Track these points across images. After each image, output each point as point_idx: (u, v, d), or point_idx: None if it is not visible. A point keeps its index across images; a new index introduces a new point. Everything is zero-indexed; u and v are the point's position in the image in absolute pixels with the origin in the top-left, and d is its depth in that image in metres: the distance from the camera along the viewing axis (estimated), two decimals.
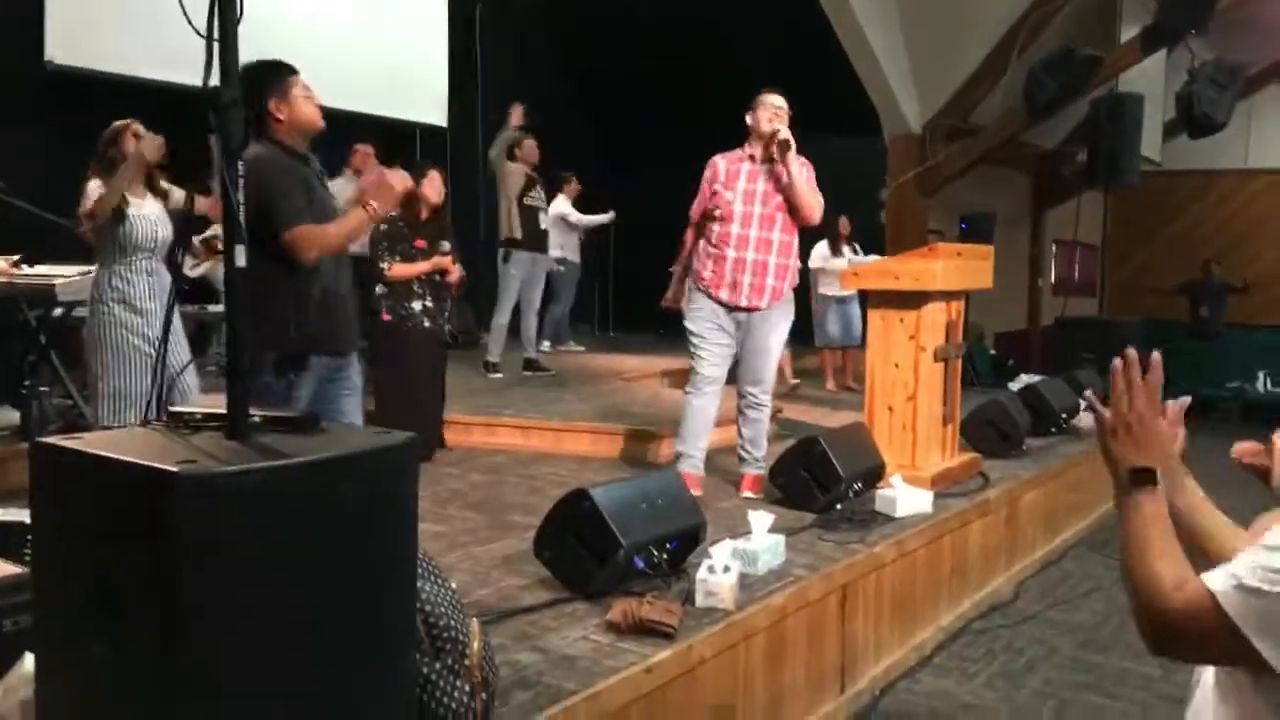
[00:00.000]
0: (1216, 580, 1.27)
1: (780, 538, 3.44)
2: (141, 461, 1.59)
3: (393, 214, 5.01)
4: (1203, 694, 1.48)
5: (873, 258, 7.13)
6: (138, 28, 5.99)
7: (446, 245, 5.03)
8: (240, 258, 1.92)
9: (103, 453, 1.66)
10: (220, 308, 6.07)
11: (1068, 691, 3.68)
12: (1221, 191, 12.31)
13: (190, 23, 1.86)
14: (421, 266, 4.92)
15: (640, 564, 3.01)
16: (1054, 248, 11.59)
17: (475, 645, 2.13)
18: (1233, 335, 11.51)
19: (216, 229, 5.59)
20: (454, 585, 2.27)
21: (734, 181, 4.25)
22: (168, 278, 3.82)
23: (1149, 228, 12.55)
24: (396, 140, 7.94)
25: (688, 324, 4.34)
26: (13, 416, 4.68)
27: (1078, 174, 9.60)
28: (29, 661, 1.94)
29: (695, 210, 4.39)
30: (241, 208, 1.91)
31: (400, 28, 8.27)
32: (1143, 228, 12.58)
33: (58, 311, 4.65)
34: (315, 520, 1.68)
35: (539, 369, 7.36)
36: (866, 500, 4.16)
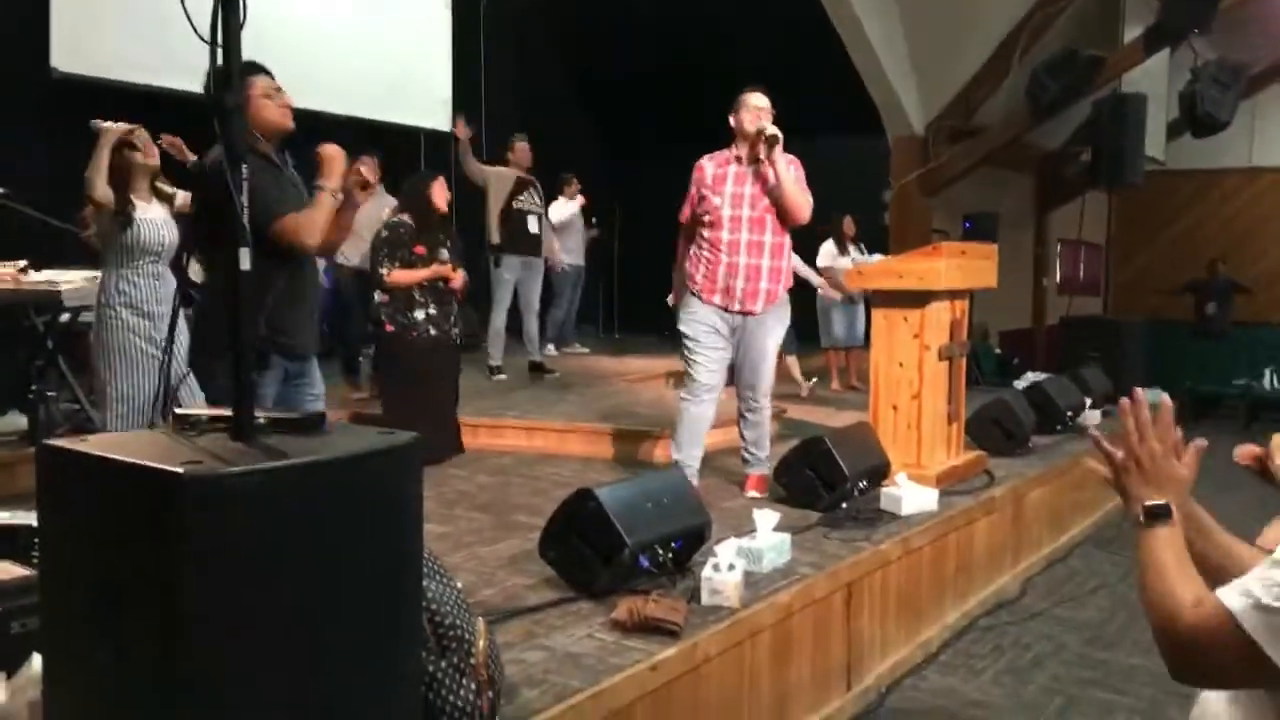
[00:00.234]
0: (1233, 600, 1.26)
1: (785, 536, 3.44)
2: (147, 463, 1.60)
3: (398, 218, 5.03)
4: (1212, 693, 1.47)
5: (878, 257, 7.13)
6: (142, 35, 6.01)
7: (445, 253, 4.99)
8: (245, 261, 1.93)
9: (109, 455, 1.67)
10: None
11: (1075, 688, 3.68)
12: (1225, 190, 12.28)
13: (194, 28, 1.87)
14: (421, 274, 4.88)
15: (645, 563, 3.01)
16: (1059, 247, 11.57)
17: (481, 644, 2.14)
18: (1239, 333, 11.47)
19: None
20: (460, 585, 2.28)
21: (721, 185, 4.20)
22: (174, 282, 3.83)
23: (1153, 227, 12.52)
24: (400, 146, 7.96)
25: (682, 328, 4.30)
26: (20, 421, 4.71)
27: (1081, 174, 9.59)
28: (37, 663, 1.96)
29: (685, 213, 4.36)
30: (246, 210, 1.93)
31: (403, 33, 8.29)
32: (1147, 227, 12.56)
33: (64, 317, 4.68)
34: (320, 521, 1.69)
35: (543, 371, 7.37)
36: (872, 499, 4.16)
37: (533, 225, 7.13)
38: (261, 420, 1.86)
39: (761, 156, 4.13)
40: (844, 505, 4.04)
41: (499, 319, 7.09)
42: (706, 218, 4.21)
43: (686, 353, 4.29)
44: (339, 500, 1.72)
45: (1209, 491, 1.62)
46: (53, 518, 1.79)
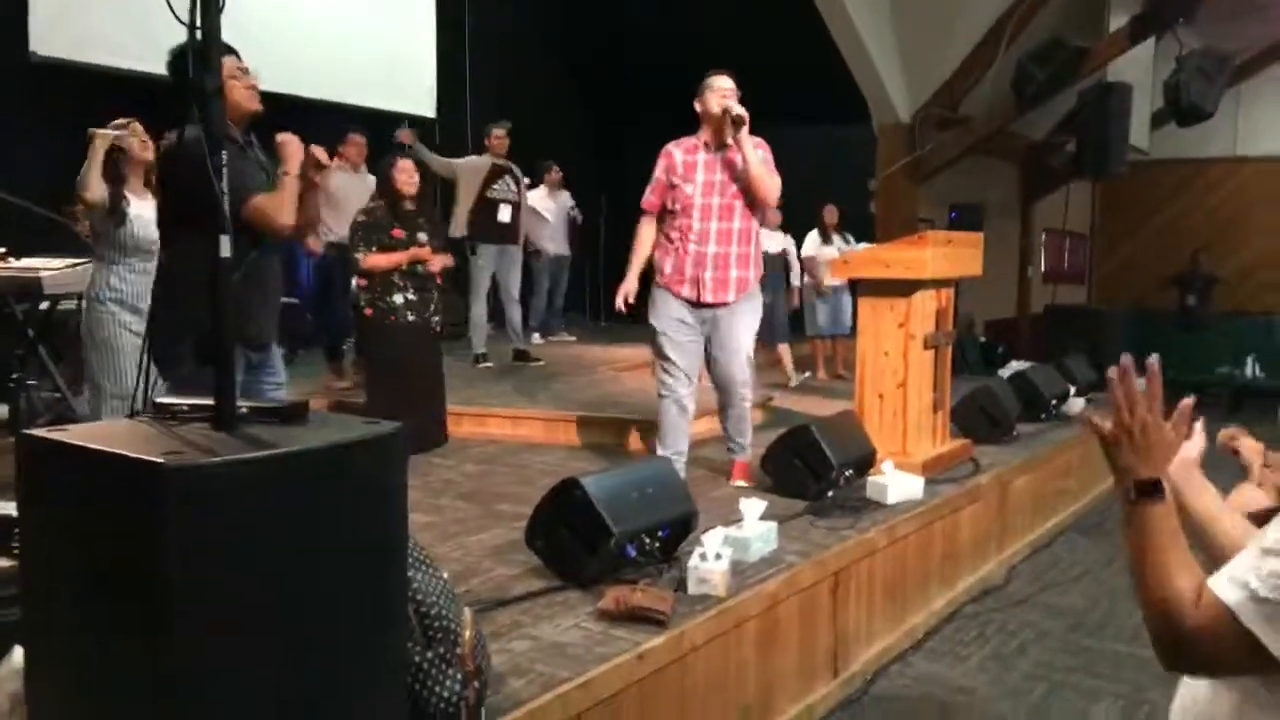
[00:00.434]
0: (1229, 592, 1.25)
1: (772, 525, 3.45)
2: (128, 453, 1.58)
3: (375, 203, 4.99)
4: (1191, 681, 1.47)
5: (864, 246, 7.13)
6: (121, 18, 5.95)
7: (423, 236, 4.93)
8: (225, 248, 1.92)
9: (89, 444, 1.65)
10: None
11: (1059, 674, 3.70)
12: (1210, 180, 12.34)
13: (173, 11, 1.85)
14: (397, 257, 4.81)
15: (632, 552, 3.01)
16: (1043, 237, 11.61)
17: (467, 634, 2.13)
18: (1222, 322, 11.56)
19: None
20: (446, 575, 2.26)
21: (692, 172, 4.10)
22: None
23: (1138, 217, 12.57)
24: (385, 131, 7.91)
25: (653, 322, 4.19)
26: (1, 411, 4.66)
27: (1066, 164, 9.61)
28: (18, 655, 1.94)
29: (652, 201, 4.21)
30: (225, 196, 1.91)
31: (389, 19, 8.24)
32: (1131, 217, 12.61)
33: (44, 305, 4.62)
34: (303, 510, 1.68)
35: (528, 359, 7.35)
36: (858, 487, 4.16)
37: (504, 214, 7.08)
38: (243, 410, 1.84)
39: (728, 139, 4.05)
40: (830, 494, 4.04)
41: (479, 308, 7.09)
42: (677, 206, 4.12)
43: (659, 348, 4.19)
44: (322, 490, 1.71)
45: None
46: (33, 508, 1.77)
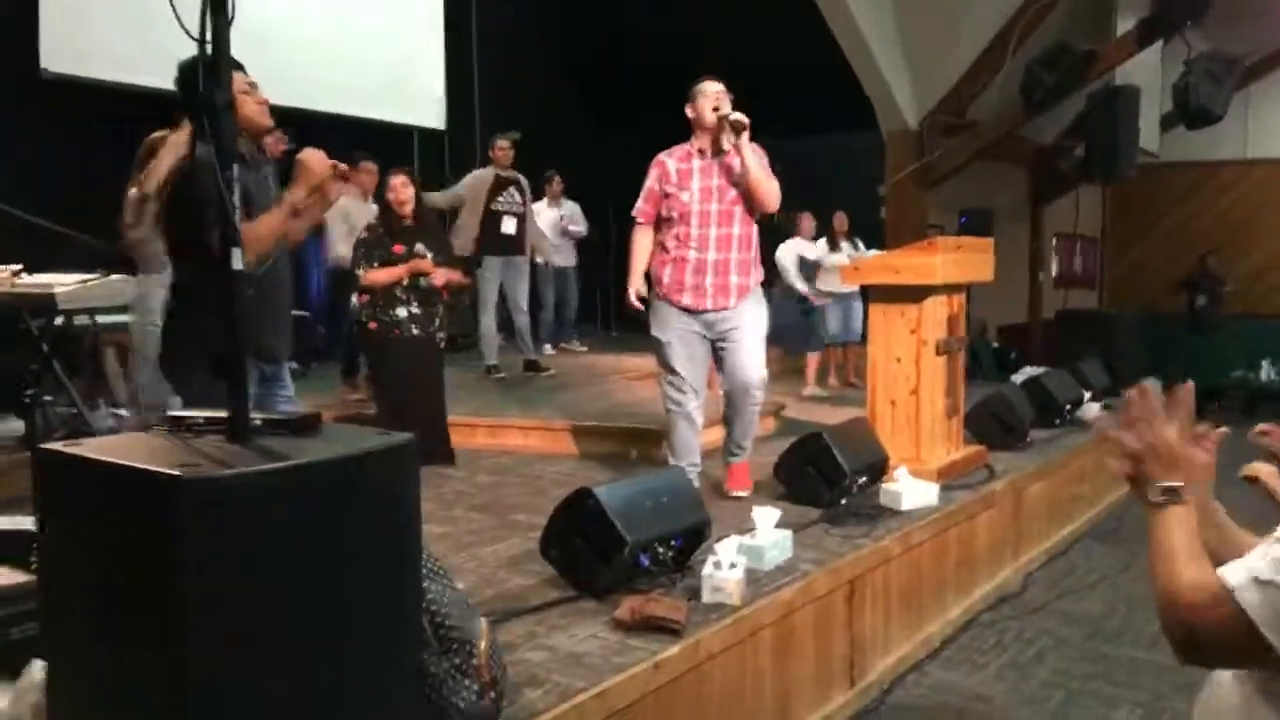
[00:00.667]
0: (1233, 575, 1.26)
1: (786, 533, 3.43)
2: (145, 466, 1.59)
3: (375, 220, 5.01)
4: (1217, 680, 1.47)
5: (873, 253, 7.12)
6: (132, 33, 5.98)
7: (421, 247, 4.88)
8: (237, 261, 1.92)
9: (106, 458, 1.66)
10: None
11: (1077, 682, 3.67)
12: (1221, 182, 12.29)
13: (182, 25, 1.86)
14: (397, 271, 4.78)
15: (646, 561, 3.00)
16: (1054, 241, 11.58)
17: (483, 645, 2.13)
18: (1236, 325, 11.50)
19: None
20: (461, 586, 2.27)
21: (688, 180, 4.05)
22: None
23: (1148, 220, 12.53)
24: (394, 144, 7.94)
25: (657, 334, 4.13)
26: (17, 426, 4.68)
27: (1075, 168, 9.59)
28: (38, 668, 1.94)
29: (646, 211, 4.15)
30: (238, 211, 1.91)
31: (396, 31, 8.26)
32: (1142, 220, 12.56)
33: (59, 320, 4.65)
34: (318, 522, 1.68)
35: (539, 369, 7.36)
36: (872, 495, 4.15)
37: (508, 226, 7.09)
38: (257, 422, 1.84)
39: (727, 145, 4.01)
40: (844, 501, 4.02)
41: (486, 319, 7.10)
42: (674, 214, 4.07)
43: (665, 360, 4.13)
44: (336, 501, 1.71)
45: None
46: (51, 522, 1.78)
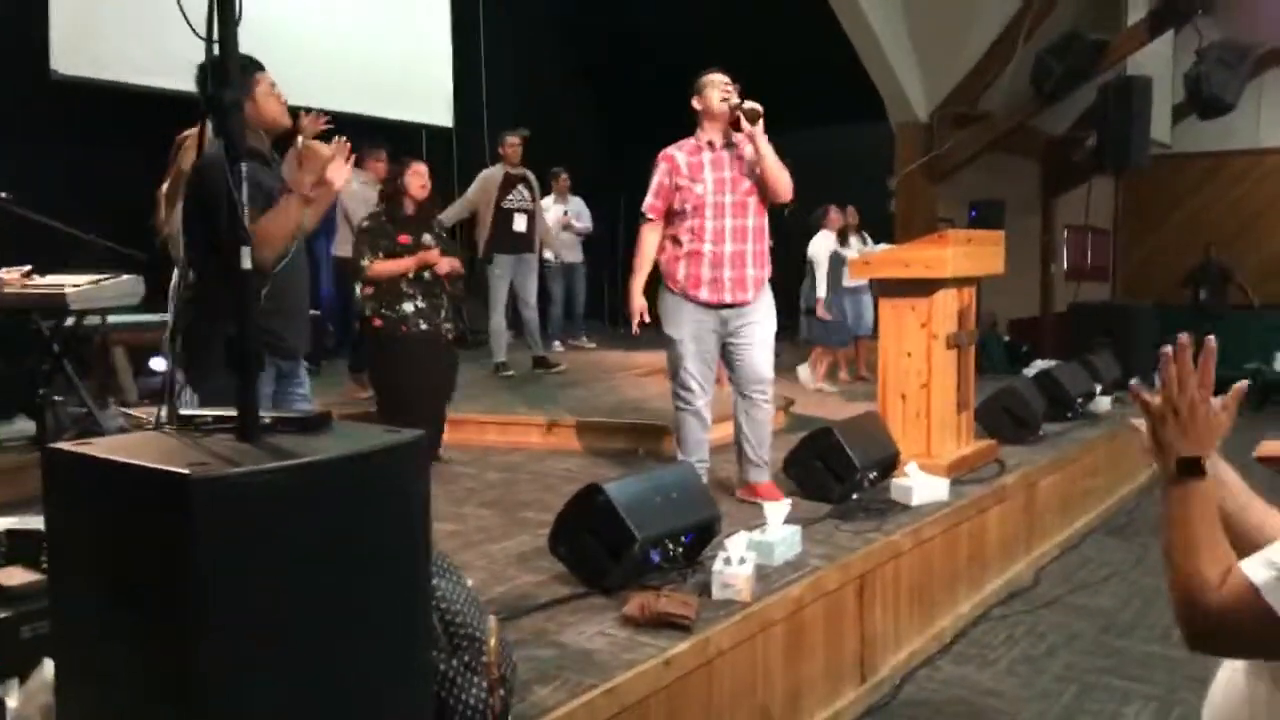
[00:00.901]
0: (1258, 572, 1.25)
1: (796, 528, 3.42)
2: (154, 465, 1.59)
3: (376, 208, 4.89)
4: (1229, 672, 1.46)
5: (883, 246, 7.08)
6: (141, 35, 6.00)
7: (429, 238, 4.77)
8: (246, 259, 1.92)
9: (115, 457, 1.66)
10: None
11: (1090, 676, 3.66)
12: (1234, 172, 12.21)
13: (190, 25, 1.86)
14: (405, 263, 4.64)
15: (656, 558, 3.00)
16: (1065, 233, 11.52)
17: (493, 642, 2.12)
18: (1249, 316, 11.43)
19: None
20: (470, 583, 2.27)
21: (699, 172, 3.99)
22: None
23: (1160, 211, 12.45)
24: (402, 142, 7.94)
25: (671, 332, 4.04)
26: (28, 426, 4.70)
27: (1087, 159, 9.54)
28: (49, 667, 1.95)
29: (656, 206, 4.06)
30: (245, 209, 1.91)
31: (404, 28, 8.27)
32: (1154, 211, 12.49)
33: (69, 321, 4.67)
34: (327, 519, 1.68)
35: (549, 366, 7.36)
36: (882, 489, 4.13)
37: (519, 223, 7.08)
38: (266, 420, 1.85)
39: (744, 129, 3.92)
40: (854, 496, 4.01)
41: (496, 317, 7.10)
42: (687, 207, 4.00)
43: (678, 358, 4.04)
44: (346, 499, 1.71)
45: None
46: (61, 522, 1.79)
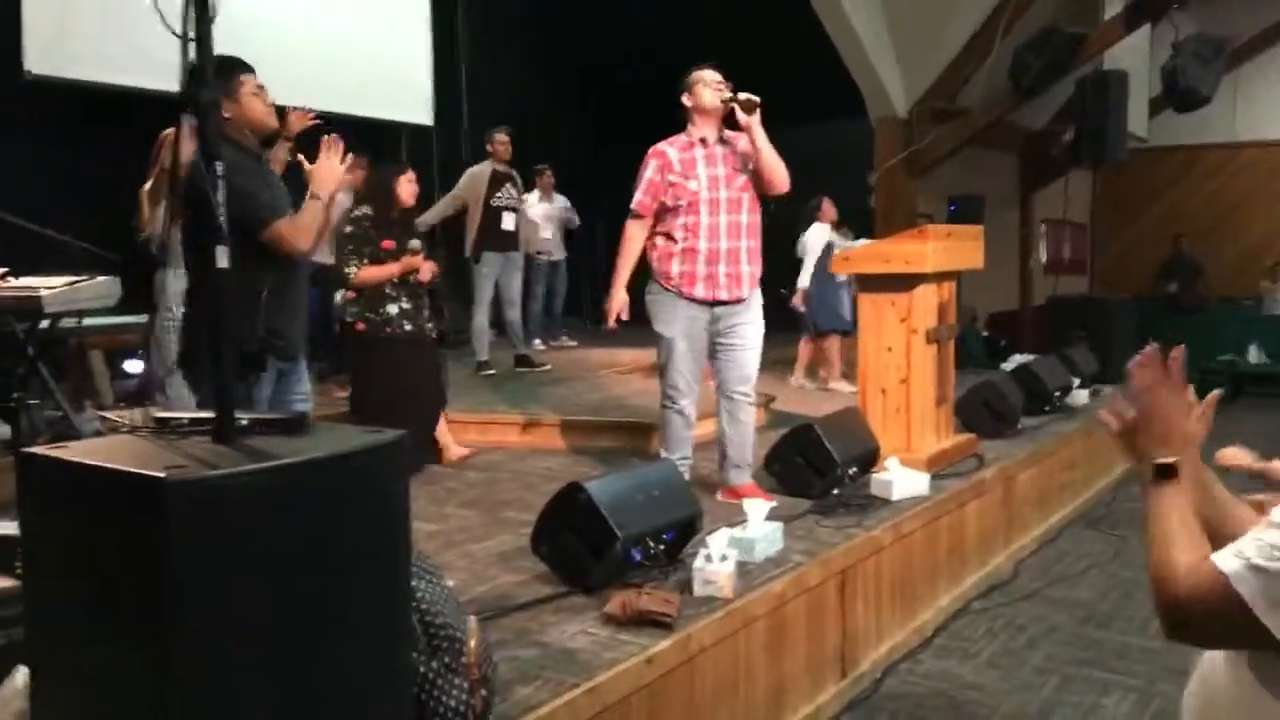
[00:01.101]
0: (1227, 561, 1.28)
1: (777, 525, 3.43)
2: (129, 469, 1.58)
3: (360, 212, 4.84)
4: (1210, 663, 1.47)
5: (863, 242, 7.08)
6: (117, 34, 5.94)
7: (416, 243, 4.76)
8: (222, 259, 1.91)
9: (90, 461, 1.65)
10: None
11: (1070, 667, 3.69)
12: (1210, 165, 12.32)
13: (165, 22, 1.84)
14: (391, 269, 4.62)
15: (637, 556, 3.00)
16: (1043, 227, 11.59)
17: (473, 643, 2.12)
18: (1224, 308, 11.54)
19: None
20: (450, 583, 2.26)
21: (692, 169, 3.95)
22: None
23: (1137, 204, 12.55)
24: (382, 141, 7.91)
25: (662, 329, 4.00)
26: (3, 430, 4.65)
27: (1065, 153, 9.60)
28: (23, 674, 1.93)
29: (647, 204, 4.00)
30: (222, 209, 1.90)
31: (383, 27, 8.22)
32: (1132, 205, 12.58)
33: (45, 323, 4.62)
34: (305, 521, 1.68)
35: (531, 364, 7.35)
36: (863, 484, 4.15)
37: (508, 222, 7.08)
38: (244, 422, 1.84)
39: (741, 120, 3.90)
40: (835, 492, 4.03)
41: (480, 315, 7.07)
42: (681, 203, 3.97)
43: (670, 356, 4.00)
44: (324, 500, 1.71)
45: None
46: (35, 527, 1.77)
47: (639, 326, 4.20)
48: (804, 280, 7.34)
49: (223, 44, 1.90)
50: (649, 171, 4.02)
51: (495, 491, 4.43)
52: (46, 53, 6.02)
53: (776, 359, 7.66)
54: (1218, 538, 1.42)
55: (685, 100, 4.04)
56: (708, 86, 3.98)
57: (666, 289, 4.01)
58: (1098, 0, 8.55)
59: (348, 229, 4.71)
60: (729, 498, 4.05)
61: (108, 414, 4.90)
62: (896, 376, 4.48)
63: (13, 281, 4.61)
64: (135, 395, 5.35)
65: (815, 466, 4.04)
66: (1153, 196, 12.49)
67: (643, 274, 4.12)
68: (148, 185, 3.91)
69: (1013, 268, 10.93)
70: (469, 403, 5.92)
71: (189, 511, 1.52)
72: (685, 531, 3.22)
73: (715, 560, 2.94)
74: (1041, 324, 10.19)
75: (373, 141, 6.94)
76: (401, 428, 1.91)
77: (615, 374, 7.23)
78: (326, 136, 3.17)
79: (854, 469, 4.12)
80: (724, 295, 3.99)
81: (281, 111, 3.47)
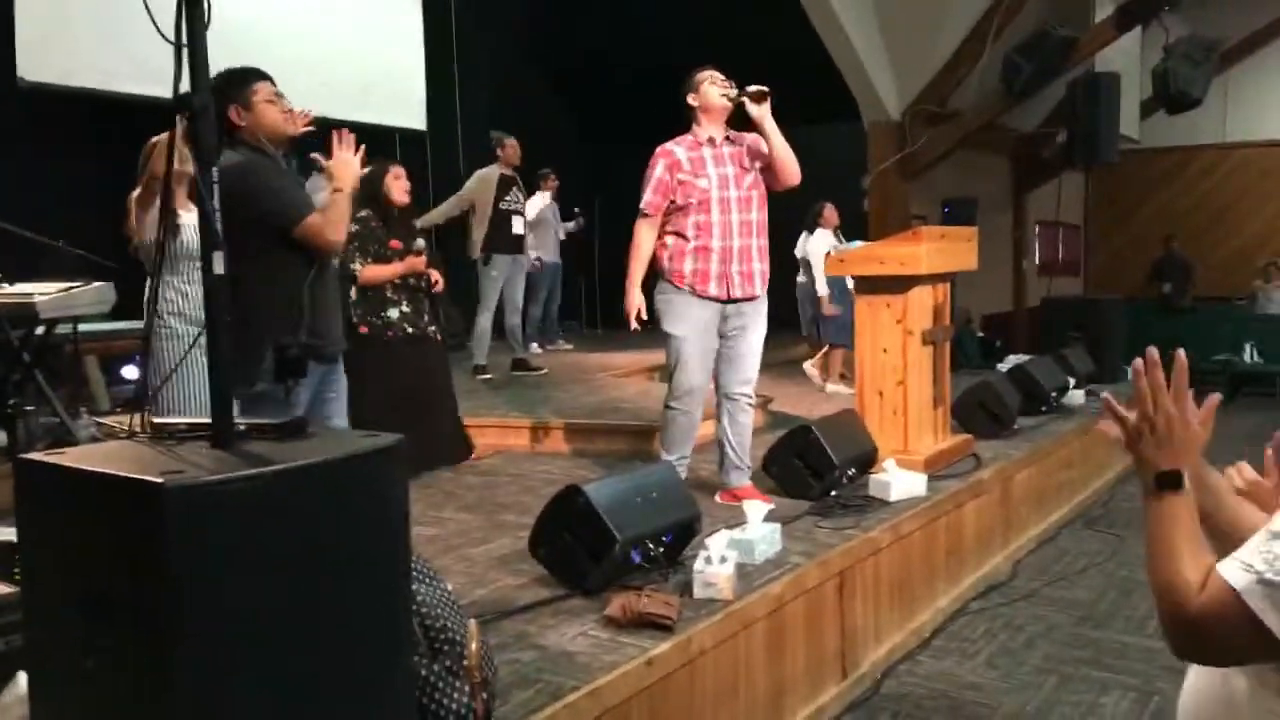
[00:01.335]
0: (1236, 575, 1.24)
1: (776, 526, 3.43)
2: (127, 474, 1.57)
3: (365, 213, 4.84)
4: (1202, 667, 1.47)
5: (857, 244, 7.07)
6: (109, 42, 5.93)
7: (421, 243, 4.77)
8: (219, 264, 1.90)
9: (87, 467, 1.64)
10: None
11: (1068, 667, 3.69)
12: (1201, 166, 12.38)
13: (158, 29, 1.84)
14: (396, 268, 4.63)
15: (636, 558, 3.00)
16: (1037, 229, 11.63)
17: (473, 646, 2.12)
18: (1219, 308, 11.58)
19: None
20: (450, 587, 2.26)
21: (701, 168, 3.94)
22: None
23: (1130, 205, 12.61)
24: (375, 146, 7.90)
25: (672, 329, 3.98)
26: None
27: (1057, 155, 9.64)
28: (22, 681, 1.92)
29: (657, 204, 3.98)
30: (217, 214, 1.90)
31: (375, 31, 8.22)
32: (1124, 205, 12.64)
33: (40, 330, 4.61)
34: (304, 526, 1.67)
35: (529, 368, 7.35)
36: (861, 486, 4.16)
37: (517, 225, 7.11)
38: (241, 426, 1.83)
39: (753, 113, 3.87)
40: (833, 493, 4.03)
41: (485, 320, 7.05)
42: (691, 201, 3.94)
43: (680, 357, 3.97)
44: (322, 505, 1.70)
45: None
46: (33, 533, 1.76)
47: (648, 328, 4.17)
48: (821, 287, 7.24)
49: (216, 49, 1.90)
50: (658, 170, 4.00)
51: (493, 495, 4.42)
52: (39, 60, 6.01)
53: (776, 360, 7.70)
54: (1224, 541, 1.41)
55: (691, 100, 4.02)
56: (714, 85, 3.97)
57: (679, 288, 3.98)
58: (1088, 3, 8.59)
59: (353, 227, 4.69)
60: (728, 499, 4.05)
61: (104, 420, 4.88)
62: (893, 378, 4.49)
63: (8, 288, 4.60)
64: (132, 401, 5.33)
65: (813, 468, 4.04)
66: (1145, 197, 12.55)
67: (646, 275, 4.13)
68: (136, 192, 3.89)
69: (1006, 269, 10.97)
70: (467, 406, 5.89)
71: (187, 516, 1.52)
72: (684, 533, 3.22)
73: (715, 562, 2.94)
74: (1036, 325, 10.23)
75: (366, 147, 6.93)
76: (405, 430, 1.90)
77: (612, 377, 7.23)
78: (335, 131, 3.17)
79: (852, 470, 4.13)
80: (738, 293, 3.97)
81: None
